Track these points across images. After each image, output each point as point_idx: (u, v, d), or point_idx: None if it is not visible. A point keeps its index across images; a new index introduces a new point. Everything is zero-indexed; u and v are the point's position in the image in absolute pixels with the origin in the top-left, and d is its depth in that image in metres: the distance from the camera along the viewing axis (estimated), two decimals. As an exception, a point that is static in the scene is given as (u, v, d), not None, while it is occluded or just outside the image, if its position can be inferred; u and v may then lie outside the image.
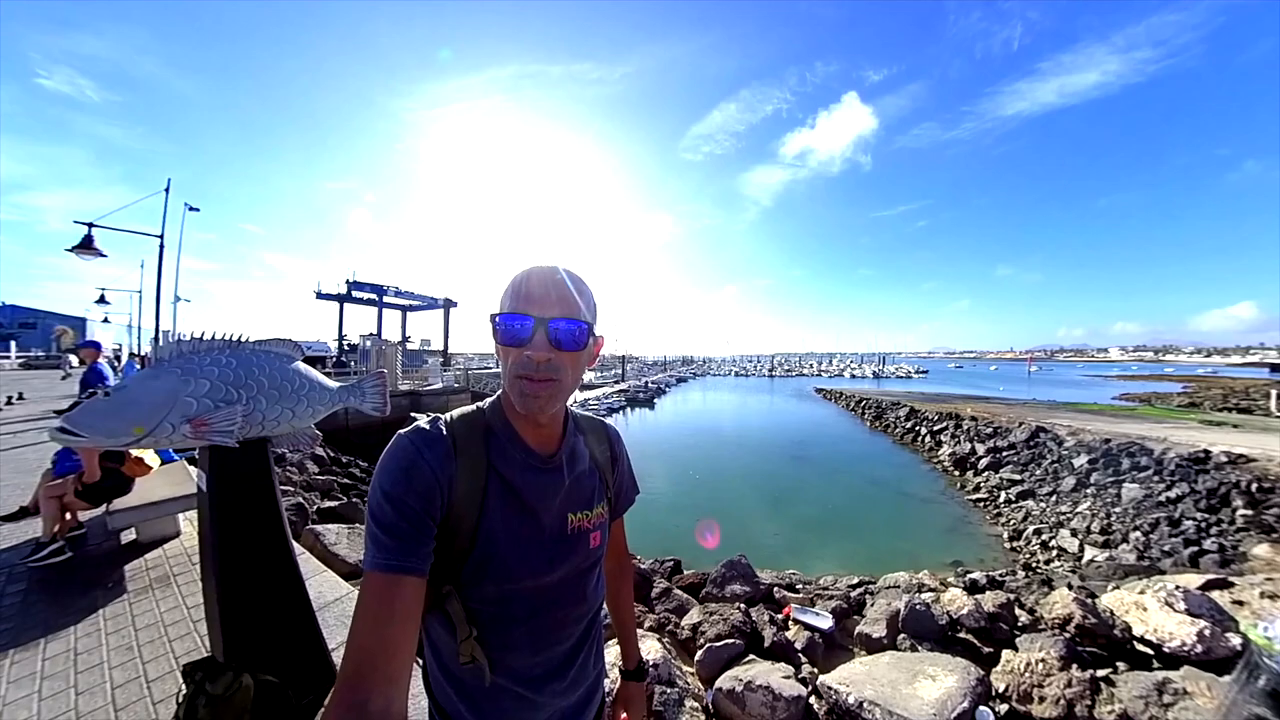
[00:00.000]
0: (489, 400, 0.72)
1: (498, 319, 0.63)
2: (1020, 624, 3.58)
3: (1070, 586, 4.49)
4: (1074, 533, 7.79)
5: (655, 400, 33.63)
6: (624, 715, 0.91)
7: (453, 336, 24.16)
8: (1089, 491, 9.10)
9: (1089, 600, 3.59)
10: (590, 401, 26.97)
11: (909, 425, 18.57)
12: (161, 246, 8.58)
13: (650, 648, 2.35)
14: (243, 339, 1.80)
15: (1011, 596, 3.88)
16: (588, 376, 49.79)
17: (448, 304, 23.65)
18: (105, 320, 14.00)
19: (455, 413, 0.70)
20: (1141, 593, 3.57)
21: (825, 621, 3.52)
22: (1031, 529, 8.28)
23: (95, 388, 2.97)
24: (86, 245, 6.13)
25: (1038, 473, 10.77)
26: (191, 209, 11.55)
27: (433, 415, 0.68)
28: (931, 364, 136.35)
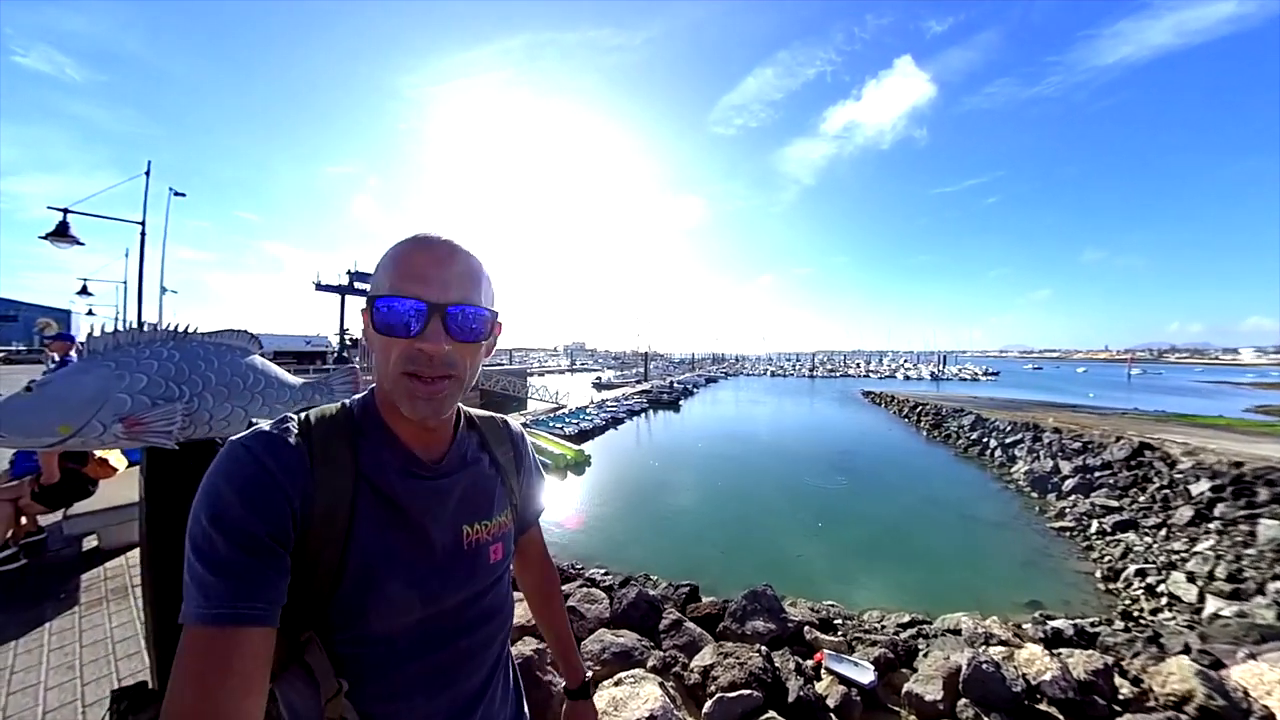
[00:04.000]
0: (358, 396, 0.67)
1: (376, 302, 0.58)
2: (1121, 697, 3.28)
3: (1188, 650, 4.07)
4: (1191, 577, 7.18)
5: (681, 402, 33.61)
6: None
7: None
8: (1211, 526, 8.43)
9: (1215, 674, 3.23)
10: (609, 403, 27.12)
11: (974, 436, 17.99)
12: (143, 234, 9.04)
13: (648, 694, 2.25)
14: (190, 330, 1.81)
15: (1110, 660, 3.54)
16: (606, 375, 50.47)
17: (456, 296, 24.50)
18: (90, 313, 14.97)
19: (312, 412, 0.63)
20: (1290, 668, 3.15)
21: (866, 674, 3.32)
22: (1133, 568, 7.73)
23: None
24: (62, 233, 6.50)
25: (1141, 499, 10.10)
26: (177, 194, 12.15)
27: (281, 415, 0.62)
28: (1003, 364, 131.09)
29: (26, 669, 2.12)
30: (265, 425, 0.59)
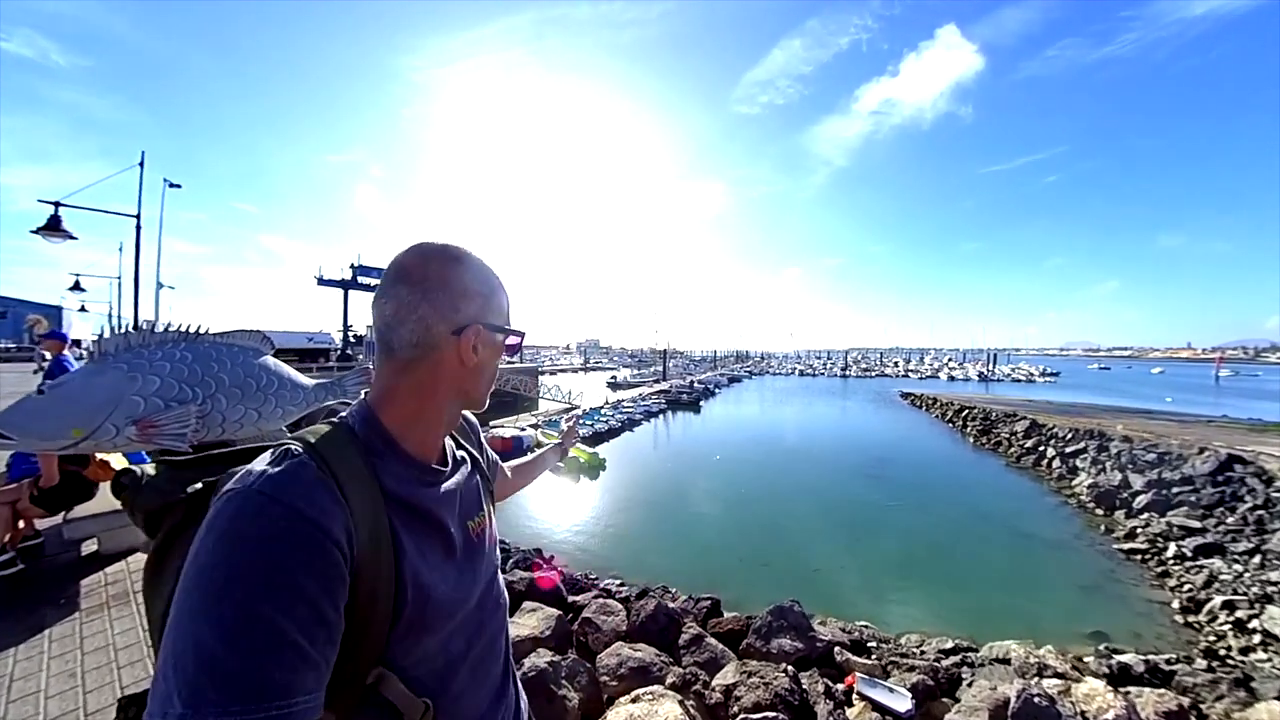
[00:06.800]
0: (349, 414, 0.69)
1: (511, 334, 0.75)
2: (1200, 745, 3.16)
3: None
4: (1292, 613, 6.82)
5: (701, 403, 33.75)
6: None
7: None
8: (1319, 555, 8.01)
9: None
10: (625, 404, 27.35)
11: (1029, 444, 17.59)
12: (138, 227, 9.43)
13: (667, 712, 2.31)
14: (201, 330, 1.92)
15: (1186, 702, 3.42)
16: (622, 374, 50.89)
17: (465, 291, 24.92)
18: (82, 309, 15.66)
19: (311, 438, 0.60)
20: None
21: (902, 702, 3.32)
22: (1219, 600, 7.42)
23: None
24: (54, 226, 6.81)
25: (1229, 520, 9.69)
26: (173, 185, 12.62)
27: (276, 446, 0.58)
28: (1065, 364, 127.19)
29: (26, 676, 2.23)
30: (267, 465, 0.54)
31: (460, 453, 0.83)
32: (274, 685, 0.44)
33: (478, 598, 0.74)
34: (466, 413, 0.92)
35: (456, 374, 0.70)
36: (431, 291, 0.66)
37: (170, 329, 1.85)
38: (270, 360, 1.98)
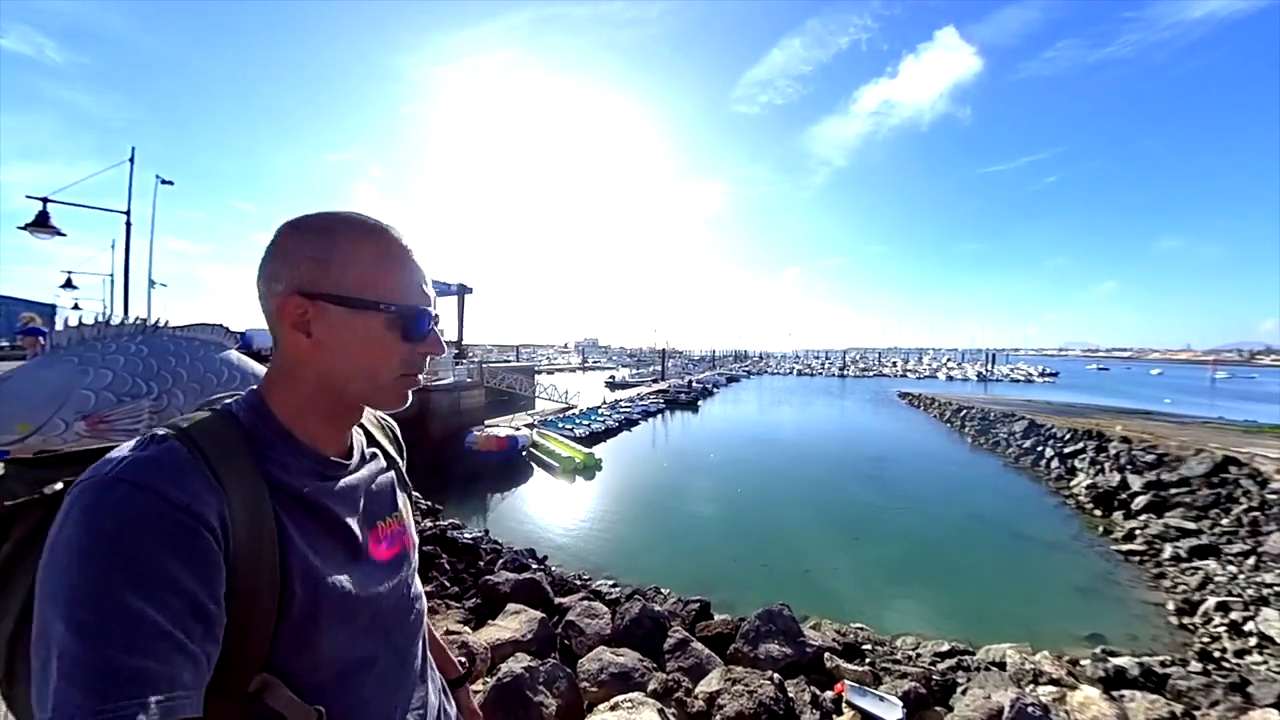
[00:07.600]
0: (236, 403, 0.63)
1: (413, 310, 0.63)
2: (1192, 754, 3.12)
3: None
4: (1286, 615, 6.79)
5: (700, 403, 33.84)
6: None
7: (468, 326, 25.47)
8: (1315, 558, 8.00)
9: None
10: (622, 404, 27.34)
11: (1027, 444, 17.55)
12: (128, 224, 9.36)
13: (645, 721, 2.26)
14: (160, 324, 1.86)
15: (1179, 709, 3.36)
16: (621, 374, 50.88)
17: (462, 290, 24.90)
18: (76, 306, 15.62)
19: (179, 423, 0.56)
20: None
21: (893, 712, 3.23)
22: (1213, 601, 7.40)
23: None
24: (42, 223, 6.76)
25: (1224, 522, 9.66)
26: (164, 182, 12.55)
27: (146, 433, 0.53)
28: (1064, 364, 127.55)
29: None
30: (129, 451, 0.50)
31: (371, 449, 0.77)
32: (148, 676, 0.41)
33: (389, 604, 0.69)
34: (382, 414, 0.85)
35: (308, 357, 0.61)
36: (267, 262, 0.61)
37: (127, 322, 1.79)
38: (233, 355, 1.92)
